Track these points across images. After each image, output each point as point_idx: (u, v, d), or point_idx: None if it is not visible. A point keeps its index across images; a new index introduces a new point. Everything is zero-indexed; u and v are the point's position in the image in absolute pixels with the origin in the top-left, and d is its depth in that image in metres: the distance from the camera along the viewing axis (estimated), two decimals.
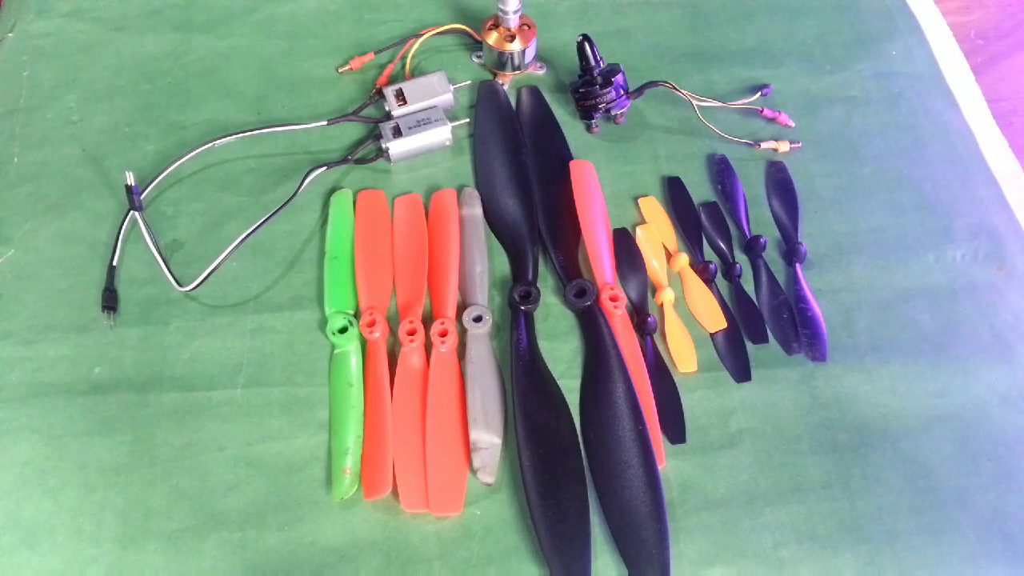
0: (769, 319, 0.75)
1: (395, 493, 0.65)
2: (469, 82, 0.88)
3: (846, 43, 0.94)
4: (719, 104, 0.86)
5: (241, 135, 0.83)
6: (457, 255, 0.76)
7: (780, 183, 0.83)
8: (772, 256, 0.79)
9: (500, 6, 0.84)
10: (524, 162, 0.83)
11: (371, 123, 0.85)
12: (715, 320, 0.74)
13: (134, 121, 0.84)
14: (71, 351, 0.71)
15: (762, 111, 0.87)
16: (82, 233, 0.77)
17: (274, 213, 0.77)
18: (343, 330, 0.72)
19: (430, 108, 0.84)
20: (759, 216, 0.81)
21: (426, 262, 0.76)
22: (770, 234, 0.80)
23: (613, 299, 0.74)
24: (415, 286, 0.75)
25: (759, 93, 0.87)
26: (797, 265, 0.78)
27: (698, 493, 0.66)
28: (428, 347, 0.72)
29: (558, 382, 0.71)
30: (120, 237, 0.76)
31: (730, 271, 0.77)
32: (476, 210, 0.80)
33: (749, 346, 0.74)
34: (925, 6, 0.99)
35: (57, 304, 0.73)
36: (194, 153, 0.81)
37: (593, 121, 0.86)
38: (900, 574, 0.64)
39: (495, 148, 0.83)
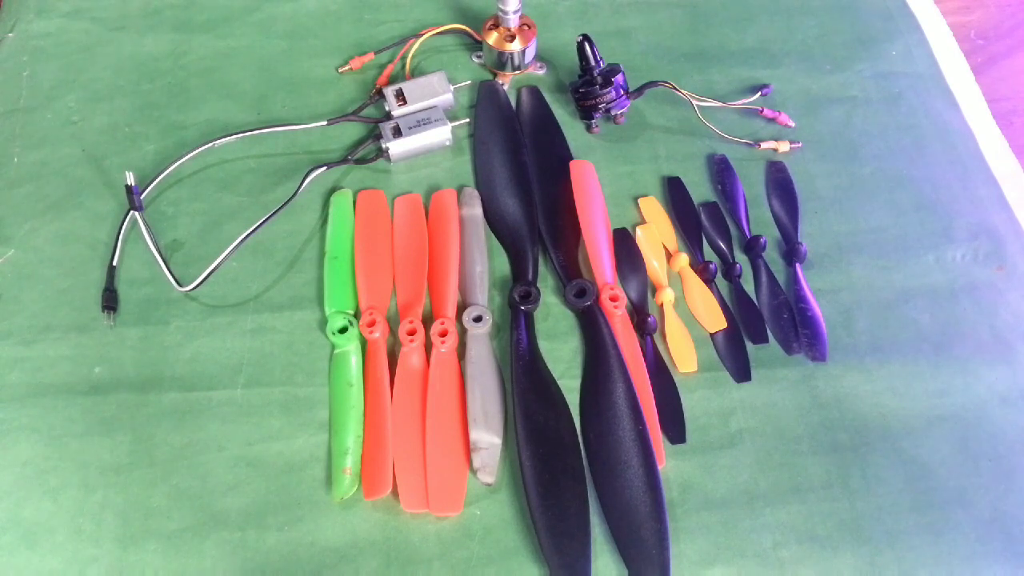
0: (769, 319, 0.75)
1: (395, 493, 0.65)
2: (469, 82, 0.88)
3: (846, 43, 0.94)
4: (719, 104, 0.86)
5: (241, 135, 0.83)
6: (457, 255, 0.76)
7: (780, 183, 0.83)
8: (772, 256, 0.79)
9: (500, 6, 0.84)
10: (524, 162, 0.83)
11: (371, 123, 0.85)
12: (715, 320, 0.74)
13: (134, 121, 0.84)
14: (71, 351, 0.71)
15: (762, 111, 0.87)
16: (82, 233, 0.77)
17: (274, 213, 0.77)
18: (343, 330, 0.72)
19: (430, 108, 0.84)
20: (759, 216, 0.81)
21: (426, 262, 0.76)
22: (770, 234, 0.80)
23: (613, 299, 0.74)
24: (415, 286, 0.75)
25: (759, 93, 0.87)
26: (797, 265, 0.78)
27: (698, 493, 0.66)
28: (428, 347, 0.72)
29: (558, 382, 0.71)
30: (120, 237, 0.76)
31: (730, 271, 0.77)
32: (476, 210, 0.80)
33: (749, 346, 0.74)
34: (925, 6, 0.99)
35: (57, 304, 0.73)
36: (194, 153, 0.81)
37: (593, 121, 0.86)
38: (900, 574, 0.64)
39: (495, 148, 0.83)
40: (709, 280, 0.77)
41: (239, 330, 0.72)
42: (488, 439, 0.67)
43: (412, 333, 0.71)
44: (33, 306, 0.73)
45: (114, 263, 0.75)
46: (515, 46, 0.87)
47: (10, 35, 0.90)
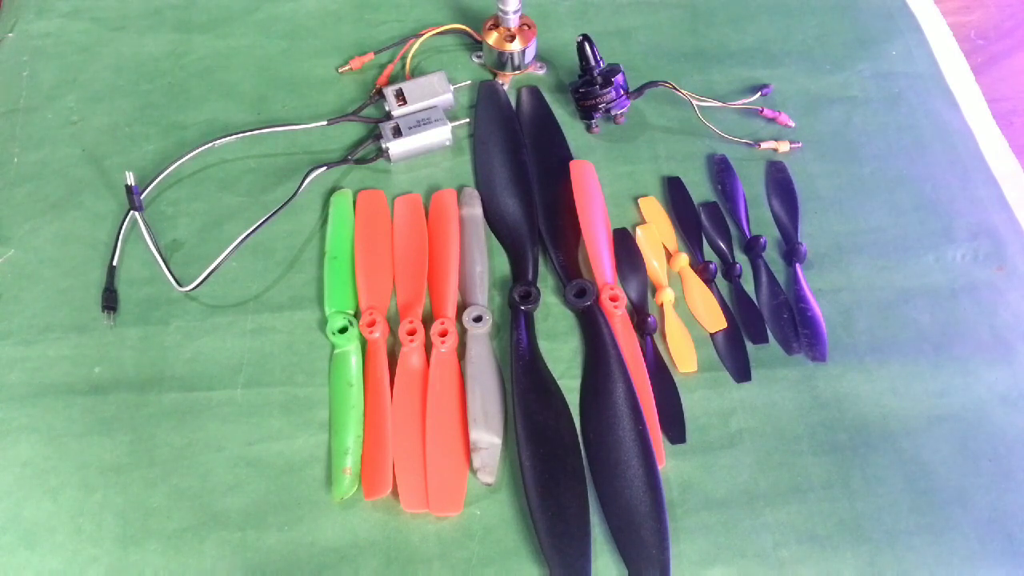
0: (769, 319, 0.75)
1: (395, 493, 0.65)
2: (469, 82, 0.88)
3: (846, 43, 0.94)
4: (719, 104, 0.86)
5: (241, 135, 0.83)
6: (457, 255, 0.76)
7: (780, 183, 0.83)
8: (772, 256, 0.79)
9: (500, 6, 0.84)
10: (524, 162, 0.83)
11: (371, 123, 0.85)
12: (715, 320, 0.74)
13: (134, 121, 0.84)
14: (71, 351, 0.71)
15: (762, 111, 0.87)
16: (82, 233, 0.77)
17: (274, 213, 0.77)
18: (343, 330, 0.72)
19: (430, 108, 0.84)
20: (759, 216, 0.81)
21: (426, 262, 0.76)
22: (770, 234, 0.80)
23: (613, 299, 0.74)
24: (415, 286, 0.75)
25: (759, 93, 0.87)
26: (797, 265, 0.78)
27: (698, 493, 0.66)
28: (428, 347, 0.72)
29: (558, 382, 0.71)
30: (120, 237, 0.76)
31: (730, 271, 0.77)
32: (476, 210, 0.80)
33: (749, 346, 0.74)
34: (925, 6, 0.99)
35: (57, 304, 0.73)
36: (194, 153, 0.81)
37: (593, 121, 0.86)
38: (900, 574, 0.64)
39: (495, 148, 0.83)
40: (709, 280, 0.77)
41: (239, 330, 0.72)
42: (488, 439, 0.67)
43: (412, 333, 0.71)
44: (33, 306, 0.73)
45: (114, 263, 0.75)
46: (515, 46, 0.87)
47: (10, 35, 0.90)
